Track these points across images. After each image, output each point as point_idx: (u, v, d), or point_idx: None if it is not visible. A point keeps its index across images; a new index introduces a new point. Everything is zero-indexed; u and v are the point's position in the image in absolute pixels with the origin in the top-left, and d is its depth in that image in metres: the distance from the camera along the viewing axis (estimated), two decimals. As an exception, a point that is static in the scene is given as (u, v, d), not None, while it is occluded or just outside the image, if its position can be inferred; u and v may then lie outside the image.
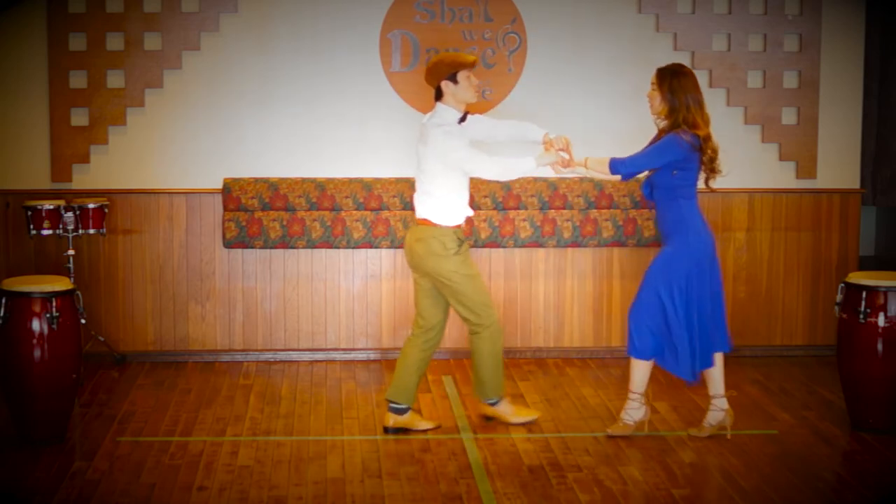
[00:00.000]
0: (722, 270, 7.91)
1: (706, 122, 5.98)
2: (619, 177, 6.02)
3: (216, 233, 7.75)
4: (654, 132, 8.03)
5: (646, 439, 6.16)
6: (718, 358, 6.15)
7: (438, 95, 6.17)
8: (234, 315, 7.82)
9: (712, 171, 6.02)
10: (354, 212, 7.63)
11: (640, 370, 6.12)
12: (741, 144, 7.94)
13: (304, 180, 7.64)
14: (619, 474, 5.64)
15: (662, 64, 7.81)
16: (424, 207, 6.12)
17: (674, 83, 5.97)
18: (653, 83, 6.07)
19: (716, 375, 6.16)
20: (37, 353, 5.96)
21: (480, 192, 7.67)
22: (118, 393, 7.03)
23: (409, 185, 7.65)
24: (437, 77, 6.11)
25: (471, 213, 6.25)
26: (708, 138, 5.95)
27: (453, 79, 6.09)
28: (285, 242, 7.61)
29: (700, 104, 5.98)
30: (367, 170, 7.78)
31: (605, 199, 7.70)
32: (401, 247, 7.68)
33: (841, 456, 5.99)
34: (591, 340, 7.93)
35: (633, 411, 6.20)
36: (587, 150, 7.79)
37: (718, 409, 6.20)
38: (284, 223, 7.59)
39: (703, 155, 5.95)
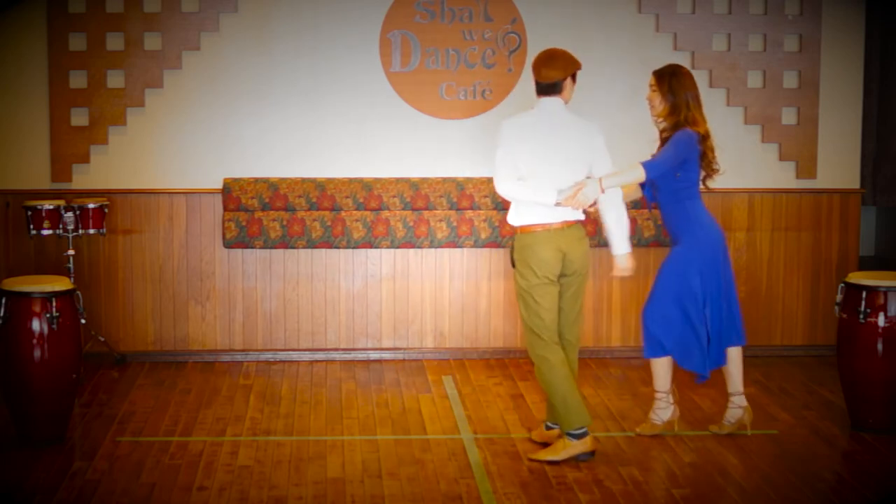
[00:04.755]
0: (722, 270, 7.98)
1: (704, 120, 6.02)
2: (640, 178, 5.85)
3: (216, 233, 7.75)
4: (653, 132, 8.05)
5: (646, 439, 6.16)
6: (735, 353, 6.16)
7: (558, 90, 5.75)
8: (234, 315, 7.82)
9: (711, 169, 6.05)
10: (354, 212, 7.63)
11: (660, 369, 6.14)
12: (741, 144, 7.94)
13: (304, 180, 7.64)
14: (619, 474, 5.64)
15: (661, 64, 7.86)
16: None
17: (673, 83, 6.01)
18: (652, 85, 6.08)
19: (733, 372, 6.17)
20: (37, 353, 5.96)
21: (481, 192, 7.67)
22: (118, 393, 7.03)
23: (409, 185, 7.65)
24: (569, 69, 5.78)
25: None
26: (708, 135, 5.98)
27: (574, 77, 5.84)
28: (285, 242, 7.61)
29: (699, 101, 6.02)
30: (367, 170, 7.78)
31: (605, 199, 7.69)
32: (401, 247, 7.68)
33: (841, 456, 5.99)
34: (591, 340, 7.92)
35: (661, 411, 6.22)
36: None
37: (737, 407, 6.21)
38: (284, 223, 7.59)
39: (703, 153, 5.97)
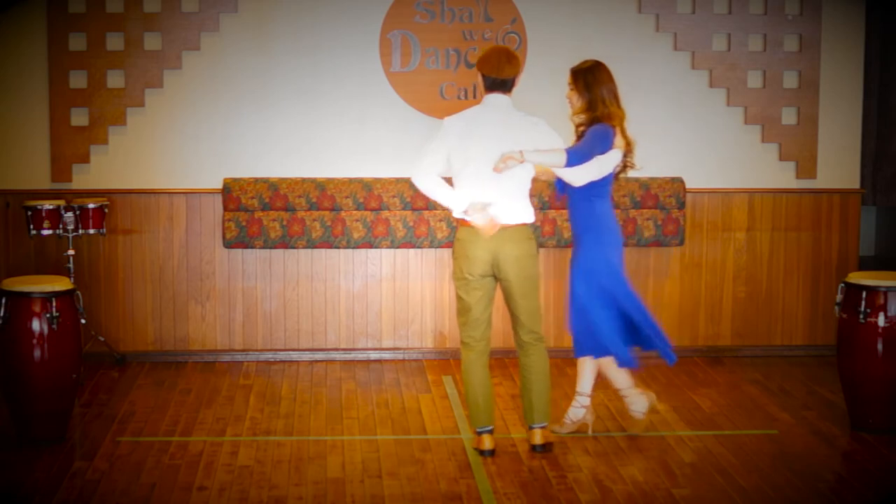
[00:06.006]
0: (722, 270, 7.99)
1: (622, 116, 5.94)
2: (560, 164, 5.72)
3: (216, 233, 7.75)
4: (654, 130, 8.07)
5: (646, 439, 6.16)
6: (605, 363, 6.16)
7: (509, 86, 5.81)
8: (234, 315, 7.82)
9: (625, 165, 5.99)
10: (354, 212, 7.64)
11: (615, 371, 6.16)
12: (741, 144, 7.94)
13: (304, 180, 7.65)
14: (619, 474, 5.64)
15: (662, 64, 7.89)
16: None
17: (588, 79, 5.93)
18: (569, 83, 6.02)
19: (588, 374, 6.18)
20: (37, 353, 5.96)
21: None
22: (118, 393, 7.03)
23: (408, 184, 7.65)
24: (520, 67, 5.88)
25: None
26: (624, 130, 5.92)
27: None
28: (285, 242, 7.61)
29: (615, 96, 5.93)
30: (367, 170, 7.78)
31: (605, 199, 7.69)
32: (401, 247, 7.68)
33: (841, 456, 5.99)
34: (591, 340, 7.92)
35: (637, 404, 6.23)
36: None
37: (580, 407, 6.21)
38: (284, 223, 7.59)
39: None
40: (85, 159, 7.66)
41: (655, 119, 7.85)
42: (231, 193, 7.58)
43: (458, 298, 5.91)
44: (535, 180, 5.97)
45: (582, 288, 5.96)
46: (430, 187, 5.77)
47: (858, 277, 6.29)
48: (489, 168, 5.68)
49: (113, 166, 7.69)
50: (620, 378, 6.19)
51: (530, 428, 5.96)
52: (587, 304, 5.95)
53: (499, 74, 5.77)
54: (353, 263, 7.85)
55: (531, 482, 5.54)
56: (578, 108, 5.99)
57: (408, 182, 7.66)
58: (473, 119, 5.81)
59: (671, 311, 7.94)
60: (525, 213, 5.82)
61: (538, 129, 5.80)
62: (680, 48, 7.84)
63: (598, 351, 6.06)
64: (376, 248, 7.68)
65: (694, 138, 7.92)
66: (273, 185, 7.61)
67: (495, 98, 5.81)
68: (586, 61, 6.04)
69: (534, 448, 5.93)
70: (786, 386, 7.26)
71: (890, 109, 8.51)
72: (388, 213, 7.63)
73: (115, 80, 7.63)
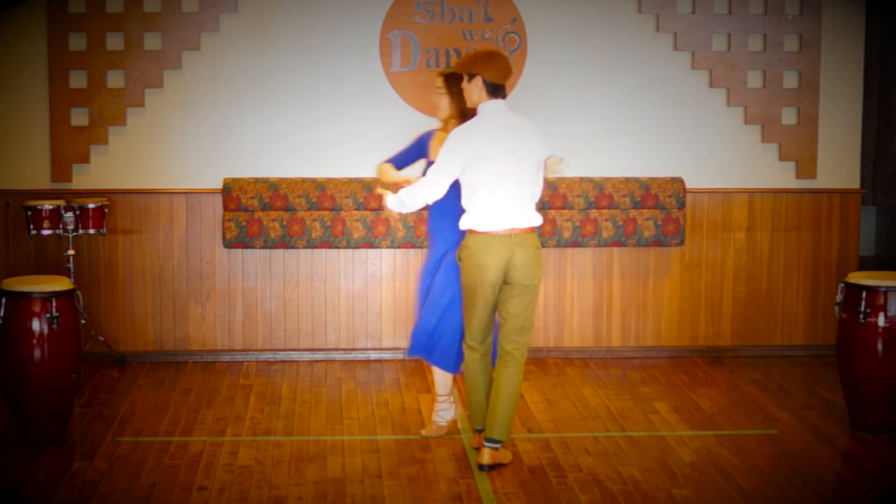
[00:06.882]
0: (722, 270, 7.99)
1: None
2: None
3: (216, 233, 7.75)
4: (657, 131, 8.05)
5: (646, 439, 6.16)
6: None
7: (504, 91, 5.74)
8: (234, 315, 7.82)
9: None
10: (354, 212, 7.64)
11: (440, 374, 6.16)
12: (741, 144, 7.94)
13: (304, 180, 7.65)
14: (619, 474, 5.64)
15: (662, 64, 7.88)
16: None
17: (461, 84, 5.83)
18: (439, 87, 5.95)
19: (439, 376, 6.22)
20: (37, 353, 5.96)
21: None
22: (118, 393, 7.03)
23: (409, 184, 7.63)
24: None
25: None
26: None
27: None
28: (285, 242, 7.61)
29: None
30: (367, 170, 7.77)
31: (605, 199, 7.69)
32: (401, 247, 7.68)
33: (841, 456, 5.99)
34: (591, 340, 7.93)
35: (444, 412, 6.24)
36: (587, 148, 7.83)
37: (445, 408, 6.26)
38: (284, 223, 7.59)
39: None
40: (85, 159, 7.66)
41: (656, 119, 7.86)
42: (231, 193, 7.58)
43: (465, 303, 5.83)
44: None
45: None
46: (413, 200, 5.81)
47: (858, 277, 6.29)
48: (503, 175, 5.62)
49: (113, 166, 7.69)
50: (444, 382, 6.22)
51: (484, 442, 5.73)
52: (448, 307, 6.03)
53: (504, 80, 5.73)
54: (353, 263, 7.85)
55: (531, 482, 5.54)
56: (448, 113, 5.96)
57: (408, 182, 7.63)
58: (483, 127, 5.68)
59: (671, 311, 7.94)
60: (535, 218, 5.74)
61: (540, 134, 5.78)
62: (680, 48, 7.84)
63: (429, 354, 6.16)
64: (376, 248, 7.68)
65: (694, 138, 7.92)
66: (273, 185, 7.61)
67: (498, 104, 5.73)
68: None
69: (480, 468, 5.71)
70: (786, 386, 7.26)
71: (890, 109, 8.51)
72: (389, 213, 7.62)
73: (115, 80, 7.63)
